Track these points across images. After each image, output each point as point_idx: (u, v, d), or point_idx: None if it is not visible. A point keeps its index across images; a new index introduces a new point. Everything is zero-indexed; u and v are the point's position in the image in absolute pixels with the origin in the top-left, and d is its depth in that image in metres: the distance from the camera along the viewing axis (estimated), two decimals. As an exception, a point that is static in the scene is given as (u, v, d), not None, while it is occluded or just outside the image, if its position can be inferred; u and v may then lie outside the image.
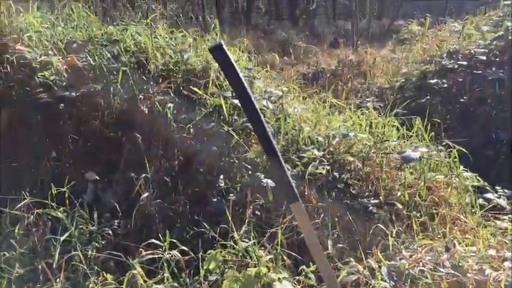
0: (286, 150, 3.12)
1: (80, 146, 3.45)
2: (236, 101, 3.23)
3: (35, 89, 3.38)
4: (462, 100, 5.17)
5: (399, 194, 2.89)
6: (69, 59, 3.59)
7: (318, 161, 2.95)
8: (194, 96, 3.44)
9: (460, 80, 5.28)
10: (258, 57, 4.57)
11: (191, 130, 3.26)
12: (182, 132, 3.28)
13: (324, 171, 2.86)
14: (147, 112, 3.41)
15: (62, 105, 3.35)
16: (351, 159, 3.07)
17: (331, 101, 4.32)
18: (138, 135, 3.29)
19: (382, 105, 5.88)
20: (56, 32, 4.01)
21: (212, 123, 3.13)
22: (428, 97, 5.05)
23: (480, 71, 5.24)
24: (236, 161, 3.01)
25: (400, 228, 2.62)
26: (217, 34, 4.45)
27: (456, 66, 5.09)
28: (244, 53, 4.39)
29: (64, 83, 3.46)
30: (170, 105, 3.33)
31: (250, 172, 2.96)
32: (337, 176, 2.91)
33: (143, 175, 3.10)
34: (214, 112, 3.35)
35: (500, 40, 5.45)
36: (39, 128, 3.38)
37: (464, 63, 5.13)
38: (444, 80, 5.11)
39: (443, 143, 3.53)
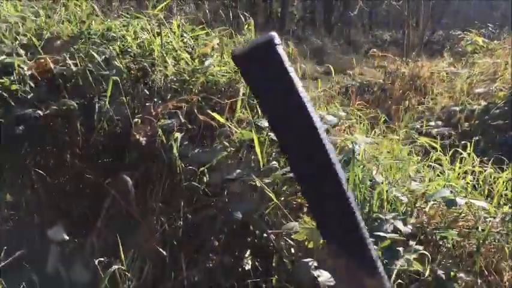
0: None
1: (45, 189, 2.38)
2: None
3: (-13, 103, 2.33)
4: None
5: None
6: (42, 60, 2.54)
7: (405, 244, 1.80)
8: (214, 123, 2.33)
9: None
10: (307, 67, 3.42)
11: (205, 176, 2.16)
12: (192, 178, 2.18)
13: (420, 268, 1.70)
14: (144, 143, 2.33)
15: (21, 127, 2.29)
16: (457, 239, 1.91)
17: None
18: (128, 179, 2.21)
19: (453, 133, 4.69)
20: (36, 24, 2.97)
21: (237, 170, 2.01)
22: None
23: None
24: (271, 237, 1.88)
25: None
26: (250, 36, 3.33)
27: None
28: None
29: (30, 96, 2.40)
30: (177, 135, 2.23)
31: (293, 255, 1.83)
32: (442, 274, 1.74)
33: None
34: (243, 149, 2.24)
35: None
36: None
37: None
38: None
39: None
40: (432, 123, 5.15)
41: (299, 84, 0.56)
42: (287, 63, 0.55)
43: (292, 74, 0.56)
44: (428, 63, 8.05)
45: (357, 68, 9.08)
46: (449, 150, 2.71)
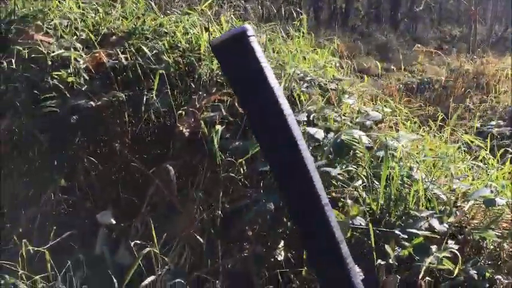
0: (387, 213, 1.97)
1: (96, 176, 2.53)
2: (313, 131, 2.12)
3: (45, 94, 2.51)
4: None
5: None
6: (96, 55, 2.69)
7: (439, 243, 1.76)
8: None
9: None
10: (352, 63, 3.39)
11: (242, 168, 2.21)
12: (231, 169, 2.24)
13: (451, 266, 1.67)
14: (187, 134, 2.41)
15: (74, 117, 2.44)
16: (497, 240, 1.85)
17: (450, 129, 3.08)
18: (170, 168, 2.30)
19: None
20: (94, 20, 3.14)
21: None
22: None
23: None
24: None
25: None
26: (303, 33, 3.35)
27: None
28: (335, 57, 3.24)
29: (84, 88, 2.55)
30: (219, 127, 2.30)
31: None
32: (474, 274, 1.70)
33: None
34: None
35: None
36: (46, 147, 2.50)
37: None
38: None
39: None
40: (493, 123, 4.94)
41: (271, 75, 0.59)
42: (260, 54, 0.58)
43: (264, 64, 0.59)
44: (495, 60, 7.69)
45: (418, 65, 8.83)
46: (505, 151, 2.62)
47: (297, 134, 0.60)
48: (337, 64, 3.09)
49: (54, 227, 2.11)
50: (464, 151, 2.84)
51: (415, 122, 3.01)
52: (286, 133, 0.59)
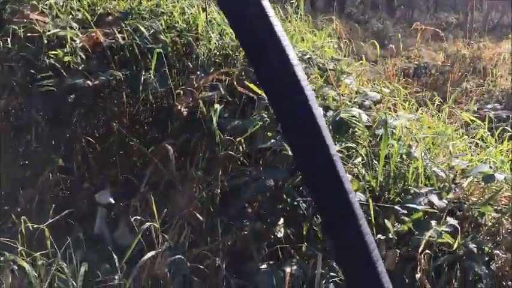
0: (386, 190, 1.97)
1: (94, 156, 2.51)
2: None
3: (42, 73, 2.48)
4: None
5: None
6: (93, 34, 2.66)
7: (438, 218, 1.77)
8: (253, 95, 2.37)
9: None
10: (350, 45, 3.38)
11: (242, 146, 2.21)
12: (230, 147, 2.24)
13: (450, 240, 1.68)
14: (185, 114, 2.40)
15: (72, 96, 2.42)
16: (496, 215, 1.86)
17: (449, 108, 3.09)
18: (169, 147, 2.30)
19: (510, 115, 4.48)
20: (90, 0, 3.10)
21: (273, 140, 2.05)
22: None
23: None
24: (304, 205, 1.91)
25: None
26: (300, 14, 3.33)
27: None
28: (333, 38, 3.23)
29: (81, 67, 2.53)
30: (217, 106, 2.29)
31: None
32: (474, 248, 1.71)
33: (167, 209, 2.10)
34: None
35: None
36: (43, 127, 2.48)
37: None
38: None
39: None
40: (490, 106, 4.96)
41: (277, 23, 0.57)
42: (266, 3, 0.57)
43: (270, 13, 0.57)
44: (492, 45, 7.69)
45: (415, 50, 8.80)
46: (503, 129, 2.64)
47: (301, 77, 0.58)
48: (335, 45, 3.07)
49: (54, 205, 2.11)
50: (462, 133, 2.85)
51: (412, 104, 3.01)
52: (294, 80, 0.58)
